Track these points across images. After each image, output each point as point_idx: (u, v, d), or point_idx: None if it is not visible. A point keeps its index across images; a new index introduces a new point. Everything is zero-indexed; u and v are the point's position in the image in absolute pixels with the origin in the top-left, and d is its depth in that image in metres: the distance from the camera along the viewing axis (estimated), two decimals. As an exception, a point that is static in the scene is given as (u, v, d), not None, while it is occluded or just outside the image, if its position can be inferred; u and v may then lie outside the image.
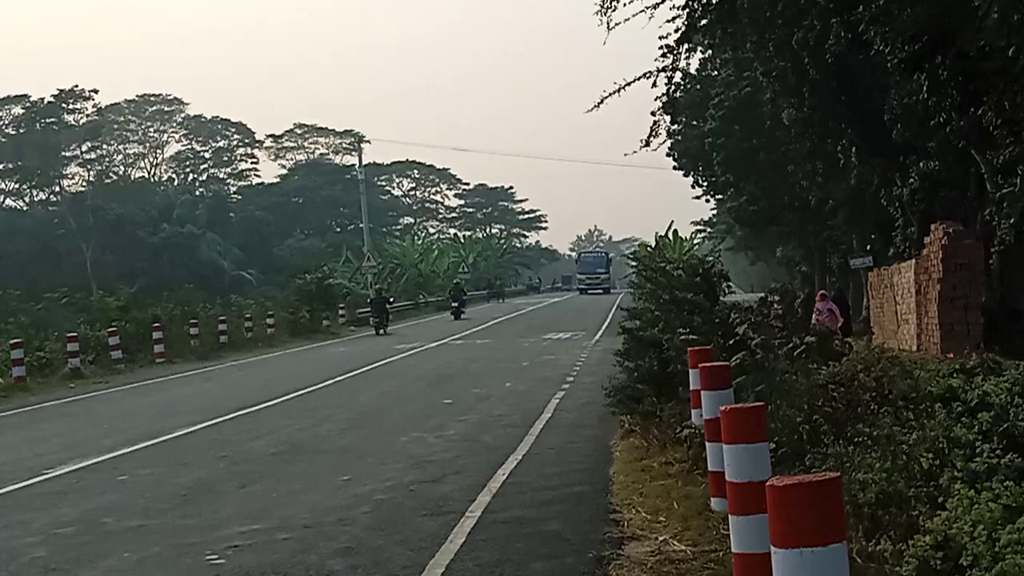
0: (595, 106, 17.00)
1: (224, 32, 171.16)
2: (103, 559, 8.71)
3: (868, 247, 28.44)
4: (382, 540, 8.92)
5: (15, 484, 12.10)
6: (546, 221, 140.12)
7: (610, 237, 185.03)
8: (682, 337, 13.45)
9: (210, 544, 8.90)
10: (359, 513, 9.95)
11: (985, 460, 7.23)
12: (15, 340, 27.46)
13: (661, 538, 8.38)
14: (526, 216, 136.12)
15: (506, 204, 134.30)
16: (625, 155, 57.64)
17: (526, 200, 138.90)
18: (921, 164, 21.92)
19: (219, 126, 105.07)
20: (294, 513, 10.00)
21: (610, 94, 17.13)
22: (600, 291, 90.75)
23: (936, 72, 17.93)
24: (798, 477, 4.13)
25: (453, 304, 53.06)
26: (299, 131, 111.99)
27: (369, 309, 44.72)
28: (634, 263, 24.85)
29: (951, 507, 6.34)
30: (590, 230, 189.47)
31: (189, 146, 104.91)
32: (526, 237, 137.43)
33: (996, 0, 9.37)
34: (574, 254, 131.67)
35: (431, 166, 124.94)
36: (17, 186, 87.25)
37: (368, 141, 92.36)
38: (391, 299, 48.98)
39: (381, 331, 41.31)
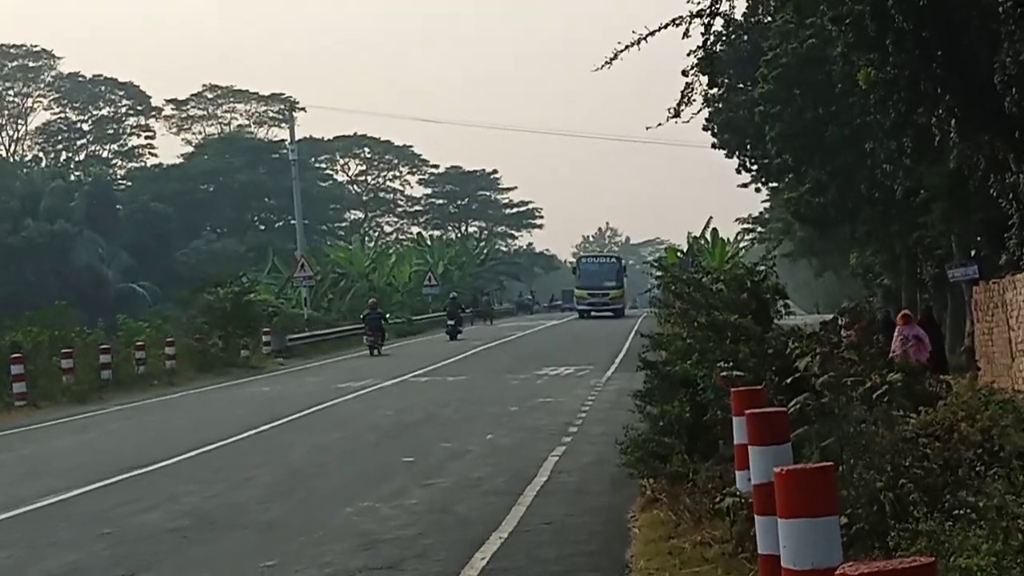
0: (607, 62, 17.09)
1: None
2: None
3: (972, 253, 28.50)
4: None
5: None
6: (541, 216, 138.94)
7: (627, 239, 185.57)
8: (724, 374, 13.45)
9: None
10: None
11: None
12: None
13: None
14: (515, 210, 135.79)
15: (488, 194, 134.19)
16: (647, 129, 57.17)
17: (514, 189, 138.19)
18: (1044, 141, 21.99)
19: (102, 88, 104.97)
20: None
21: (627, 47, 17.22)
22: (609, 313, 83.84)
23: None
24: (879, 564, 4.13)
25: (449, 323, 57.95)
26: (210, 95, 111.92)
27: (363, 327, 49.11)
28: (659, 274, 24.78)
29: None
30: (600, 229, 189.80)
31: (61, 114, 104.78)
32: (515, 238, 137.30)
33: None
34: (573, 257, 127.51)
35: (388, 143, 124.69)
36: None
37: (303, 109, 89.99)
38: (386, 315, 53.08)
39: (375, 351, 47.12)
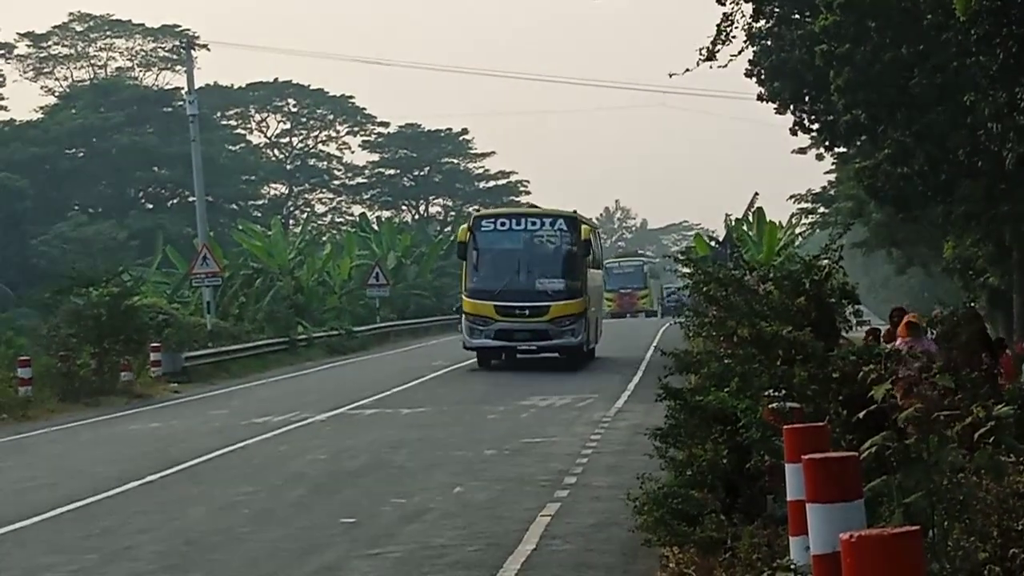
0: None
1: None
2: None
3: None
4: None
5: None
6: (528, 192, 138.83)
7: (643, 223, 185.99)
8: (774, 406, 13.50)
9: None
10: None
11: None
12: None
13: None
14: (492, 183, 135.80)
15: (456, 162, 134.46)
16: (671, 76, 56.86)
17: (491, 155, 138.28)
18: None
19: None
20: None
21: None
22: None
23: None
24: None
25: None
26: (79, 28, 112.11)
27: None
28: (686, 271, 24.70)
29: None
30: (608, 210, 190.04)
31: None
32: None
33: None
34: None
35: (320, 91, 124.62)
36: None
37: (205, 46, 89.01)
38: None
39: None
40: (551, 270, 42.69)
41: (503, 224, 43.25)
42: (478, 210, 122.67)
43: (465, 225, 42.33)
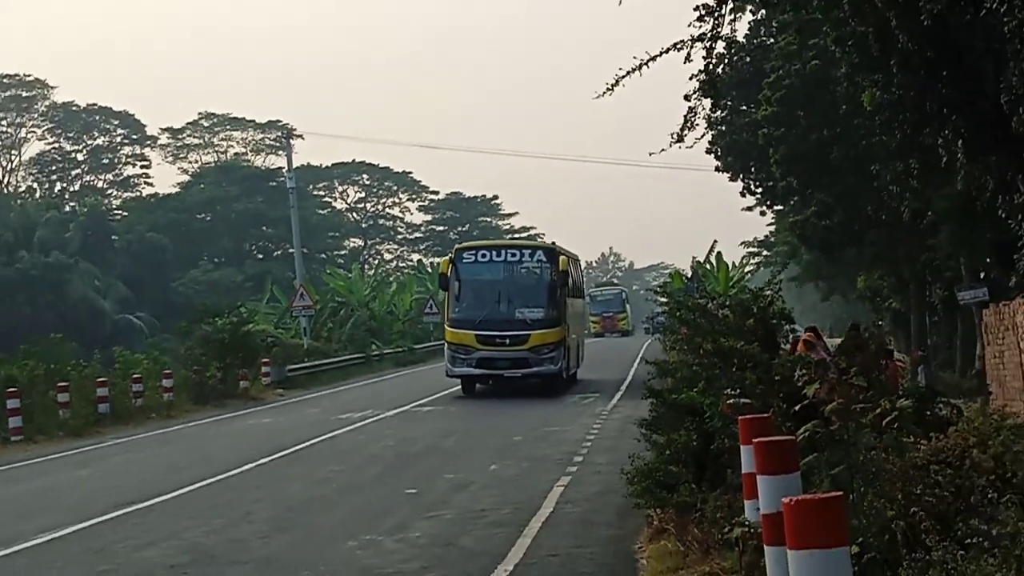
0: (608, 89, 17.07)
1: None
2: None
3: (982, 275, 28.55)
4: None
5: None
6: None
7: (631, 264, 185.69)
8: (731, 401, 13.46)
9: None
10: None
11: None
12: None
13: None
14: (518, 237, 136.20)
15: (489, 220, 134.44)
16: (651, 155, 57.72)
17: (516, 215, 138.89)
18: (1054, 162, 22.03)
19: (97, 117, 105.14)
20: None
21: (628, 73, 17.20)
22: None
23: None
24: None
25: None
26: (206, 123, 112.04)
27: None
28: (663, 300, 24.82)
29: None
30: (603, 254, 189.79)
31: (55, 144, 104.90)
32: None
33: None
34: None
35: (386, 169, 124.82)
36: None
37: (301, 136, 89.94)
38: None
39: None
40: (531, 300, 35.13)
41: (484, 256, 36.00)
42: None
43: (447, 257, 35.40)
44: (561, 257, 34.59)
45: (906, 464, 10.44)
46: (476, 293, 35.10)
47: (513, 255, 35.42)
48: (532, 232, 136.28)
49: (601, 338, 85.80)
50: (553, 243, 36.43)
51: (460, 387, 37.62)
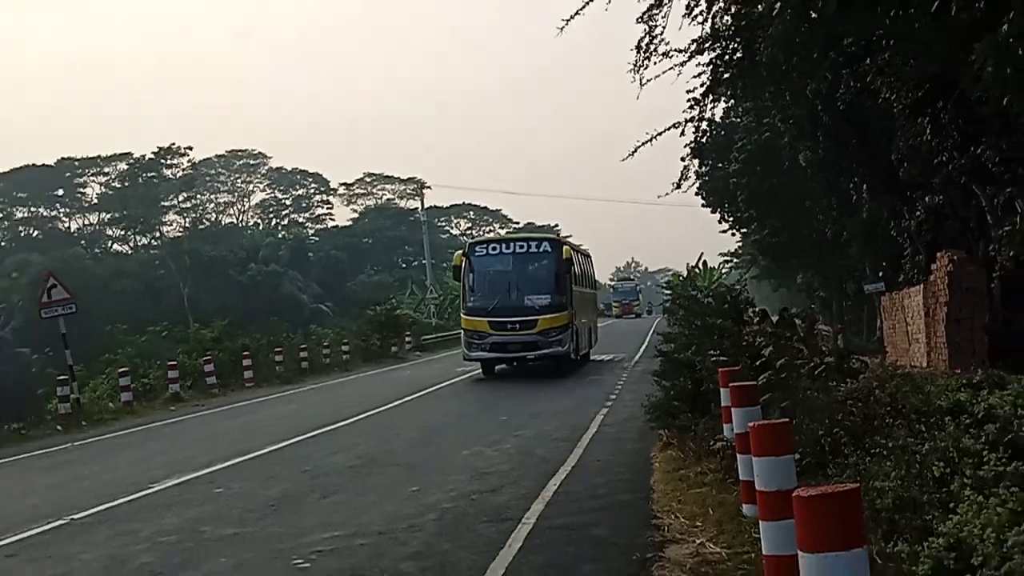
0: (630, 155, 16.95)
1: (302, 93, 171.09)
2: (203, 564, 8.79)
3: (880, 274, 28.11)
4: (448, 545, 8.93)
5: (125, 497, 12.24)
6: (589, 257, 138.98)
7: (646, 268, 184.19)
8: (713, 359, 13.40)
9: (297, 550, 8.95)
10: (427, 520, 9.96)
11: (992, 468, 7.13)
12: (123, 369, 27.94)
13: (698, 541, 8.31)
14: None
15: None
16: (659, 197, 57.28)
17: (570, 236, 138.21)
18: (927, 199, 21.73)
19: (298, 176, 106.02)
20: (369, 521, 10.03)
21: (643, 143, 17.08)
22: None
23: (938, 116, 17.80)
24: (821, 488, 4.10)
25: None
26: (368, 179, 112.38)
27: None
28: (668, 292, 24.95)
29: (962, 512, 6.26)
30: (628, 262, 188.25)
31: (272, 195, 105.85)
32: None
33: (990, 56, 9.29)
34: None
35: (485, 207, 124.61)
36: (123, 233, 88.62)
37: (429, 187, 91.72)
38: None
39: None
40: (537, 287, 28.37)
41: (494, 249, 29.33)
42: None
43: (460, 252, 29.23)
44: (564, 247, 28.08)
45: (830, 400, 10.35)
46: (488, 283, 28.12)
47: (521, 247, 28.43)
48: (583, 249, 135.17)
49: (621, 319, 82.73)
50: (557, 234, 26.76)
51: (480, 370, 29.80)
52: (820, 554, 3.92)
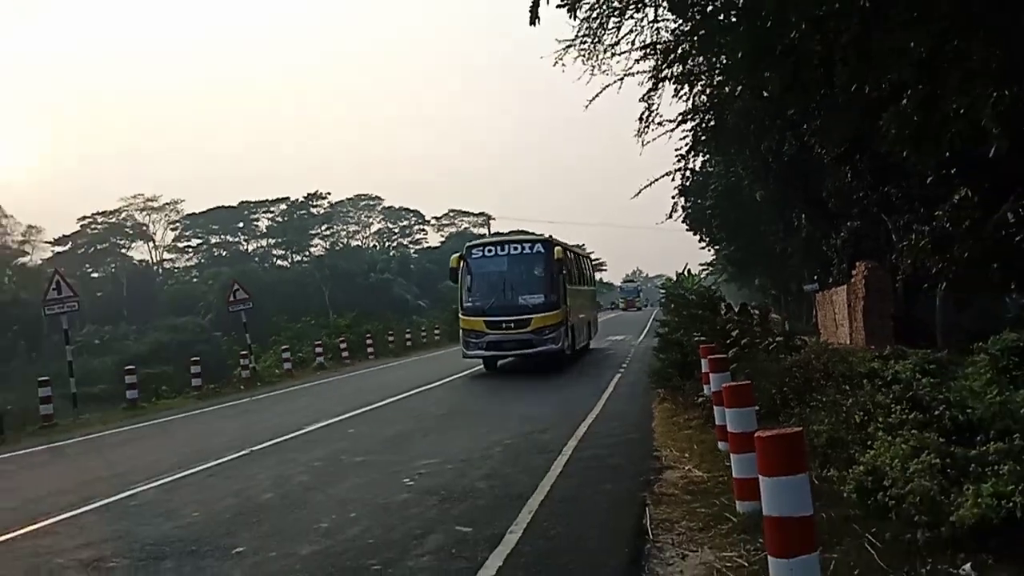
0: (636, 195, 16.82)
1: (410, 148, 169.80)
2: (342, 482, 8.88)
3: (815, 278, 27.67)
4: (510, 469, 8.94)
5: (287, 435, 12.37)
6: (606, 267, 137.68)
7: (647, 274, 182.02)
8: (696, 338, 13.30)
9: (406, 472, 9.01)
10: (495, 452, 9.98)
11: (898, 417, 7.03)
12: (284, 346, 28.34)
13: (687, 467, 8.25)
14: (593, 263, 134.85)
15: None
16: (657, 224, 56.37)
17: (593, 252, 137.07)
18: (848, 224, 21.38)
19: (403, 212, 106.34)
20: (455, 453, 10.07)
21: (645, 186, 16.90)
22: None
23: (856, 165, 17.52)
24: (775, 430, 4.08)
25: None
26: (451, 214, 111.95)
27: None
28: (663, 291, 24.69)
29: (876, 448, 6.17)
30: (634, 269, 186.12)
31: (385, 225, 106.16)
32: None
33: (894, 122, 9.17)
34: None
35: (534, 233, 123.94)
36: (283, 252, 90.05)
37: (493, 218, 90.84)
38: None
39: None
40: (531, 287, 22.08)
41: (489, 251, 23.04)
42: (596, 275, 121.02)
43: (457, 254, 23.09)
44: (556, 248, 22.13)
45: (780, 367, 10.25)
46: (484, 284, 21.82)
47: (515, 248, 22.19)
48: (601, 261, 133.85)
49: (627, 311, 79.40)
50: (550, 236, 23.24)
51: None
52: (775, 477, 3.91)
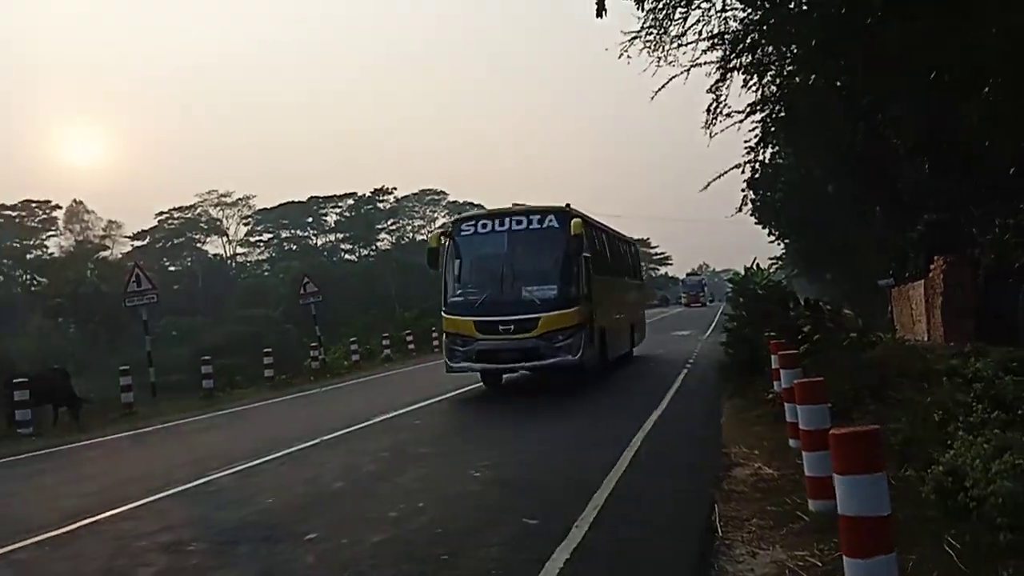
0: (704, 187, 16.62)
1: (474, 145, 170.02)
2: (407, 472, 8.98)
3: (890, 272, 26.88)
4: (581, 456, 8.93)
5: (355, 425, 12.53)
6: (671, 262, 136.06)
7: (713, 269, 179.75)
8: (766, 334, 13.07)
9: (472, 464, 9.08)
10: (566, 440, 9.96)
11: (979, 416, 6.81)
12: (353, 338, 28.82)
13: (756, 464, 8.13)
14: (658, 257, 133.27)
15: (645, 250, 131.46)
16: (726, 217, 55.71)
17: (658, 246, 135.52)
18: (926, 216, 20.78)
19: (466, 207, 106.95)
20: (525, 444, 10.06)
21: (714, 179, 16.72)
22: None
23: (935, 156, 16.96)
24: (851, 428, 4.00)
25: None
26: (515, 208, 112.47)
27: None
28: (731, 286, 24.25)
29: (956, 448, 5.97)
30: (701, 264, 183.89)
31: (448, 219, 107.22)
32: (658, 270, 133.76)
33: (976, 111, 8.84)
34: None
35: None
36: (350, 246, 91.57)
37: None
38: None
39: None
40: (540, 275, 14.71)
41: (484, 226, 15.69)
42: (660, 268, 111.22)
43: (439, 231, 18.65)
44: (575, 221, 15.09)
45: (854, 364, 10.02)
46: (476, 271, 15.62)
47: (518, 222, 15.61)
48: (666, 255, 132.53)
49: (689, 307, 72.22)
50: (567, 205, 15.86)
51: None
52: (851, 476, 3.83)
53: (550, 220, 15.04)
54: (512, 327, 14.34)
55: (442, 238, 15.58)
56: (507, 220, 15.38)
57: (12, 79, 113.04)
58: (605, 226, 19.50)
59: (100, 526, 7.33)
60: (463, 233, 15.49)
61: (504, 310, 14.48)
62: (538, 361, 14.38)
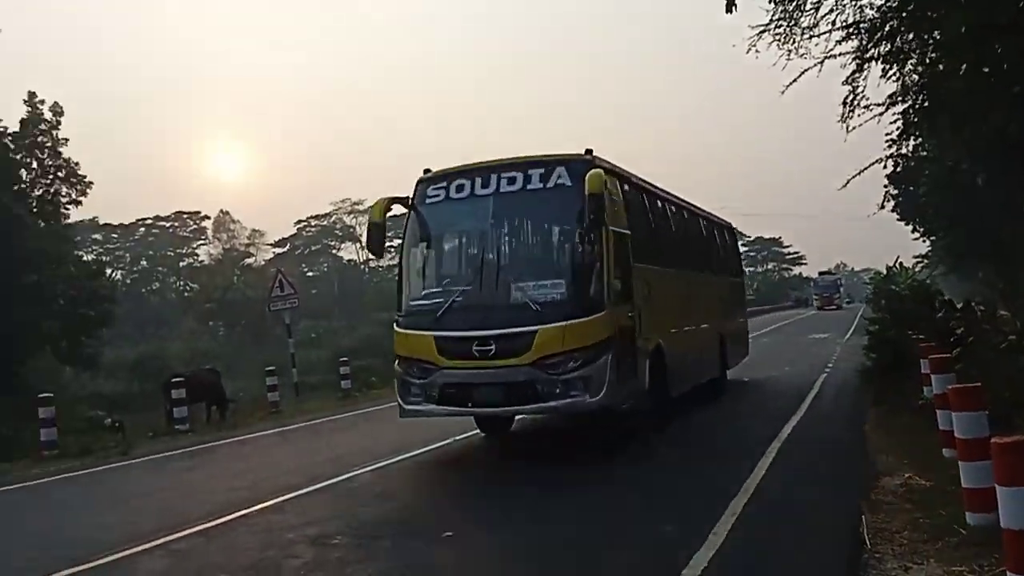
0: (844, 185, 15.94)
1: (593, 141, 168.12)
2: (549, 471, 9.05)
3: (1054, 273, 24.98)
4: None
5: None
6: (805, 261, 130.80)
7: (852, 268, 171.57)
8: (912, 336, 12.44)
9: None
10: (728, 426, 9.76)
11: None
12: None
13: (906, 475, 7.74)
14: (791, 256, 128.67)
15: (777, 249, 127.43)
16: (868, 216, 52.79)
17: (791, 246, 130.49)
18: (1091, 212, 19.14)
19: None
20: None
21: (855, 175, 15.97)
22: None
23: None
24: (1015, 437, 3.78)
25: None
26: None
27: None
28: (870, 286, 23.17)
29: None
30: (838, 264, 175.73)
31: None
32: (791, 271, 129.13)
33: None
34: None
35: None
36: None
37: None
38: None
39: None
40: (541, 264, 7.96)
41: (460, 189, 8.15)
42: (794, 268, 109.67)
43: (385, 198, 8.86)
44: (596, 174, 7.82)
45: (1010, 368, 9.39)
46: (448, 260, 9.30)
47: (509, 181, 8.28)
48: (799, 254, 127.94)
49: (822, 311, 63.45)
50: (588, 151, 8.06)
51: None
52: (1016, 487, 3.63)
53: (559, 176, 8.75)
54: (492, 347, 8.47)
55: (393, 206, 9.74)
56: (493, 178, 9.04)
57: (166, 98, 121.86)
58: (668, 192, 12.80)
59: (252, 519, 7.68)
60: (429, 200, 9.47)
61: (481, 320, 8.60)
62: (532, 404, 8.54)
